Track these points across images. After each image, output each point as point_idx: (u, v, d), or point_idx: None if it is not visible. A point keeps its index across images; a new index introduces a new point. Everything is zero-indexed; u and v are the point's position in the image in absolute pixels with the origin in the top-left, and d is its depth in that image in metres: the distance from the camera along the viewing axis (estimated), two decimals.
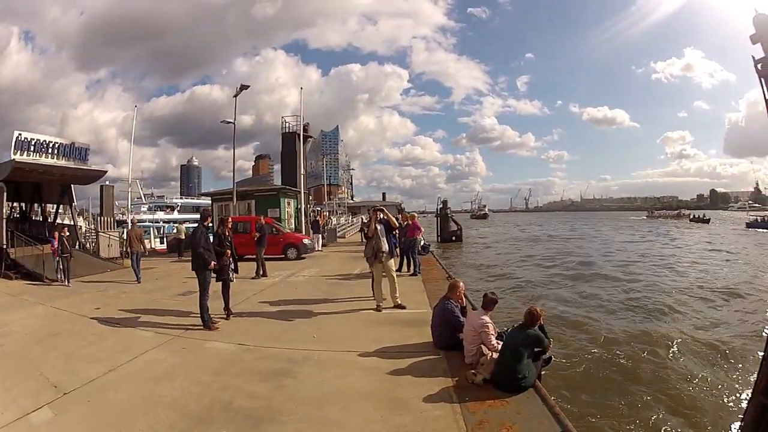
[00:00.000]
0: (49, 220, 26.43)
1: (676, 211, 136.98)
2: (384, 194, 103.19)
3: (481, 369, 6.25)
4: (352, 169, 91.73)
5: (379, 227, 10.85)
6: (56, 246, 16.32)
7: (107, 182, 32.45)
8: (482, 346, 6.66)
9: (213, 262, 9.71)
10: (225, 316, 10.35)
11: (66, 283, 15.83)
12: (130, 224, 25.52)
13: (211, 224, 10.52)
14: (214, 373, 7.05)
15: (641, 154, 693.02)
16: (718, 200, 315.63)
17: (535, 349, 6.22)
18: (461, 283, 8.23)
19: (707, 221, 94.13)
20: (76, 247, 22.44)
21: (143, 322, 10.48)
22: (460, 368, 6.69)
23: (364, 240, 12.93)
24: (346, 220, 60.90)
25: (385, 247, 10.81)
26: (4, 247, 18.77)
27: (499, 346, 6.48)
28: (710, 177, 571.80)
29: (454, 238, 52.86)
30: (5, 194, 19.64)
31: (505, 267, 33.07)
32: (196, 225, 10.77)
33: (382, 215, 11.22)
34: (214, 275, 10.03)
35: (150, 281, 16.88)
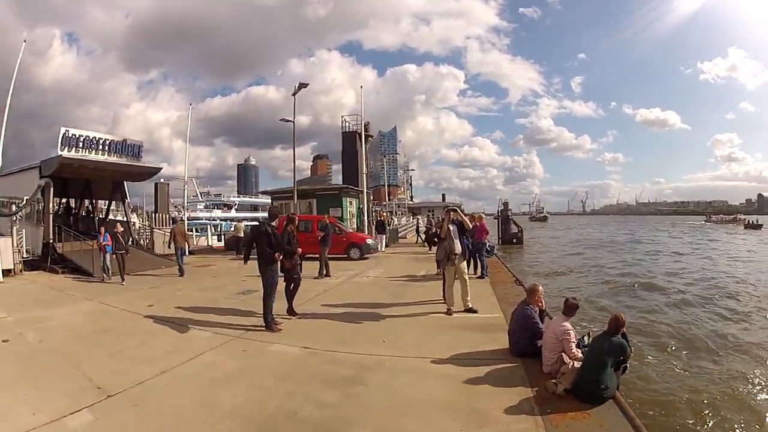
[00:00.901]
0: (100, 216, 26.85)
1: (732, 216, 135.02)
2: (443, 195, 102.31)
3: (562, 378, 5.96)
4: (412, 169, 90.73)
5: (452, 228, 10.39)
6: (102, 242, 15.77)
7: (161, 180, 32.02)
8: (563, 354, 6.40)
9: (286, 261, 9.59)
10: (288, 316, 9.83)
11: (121, 281, 15.14)
12: (173, 222, 26.25)
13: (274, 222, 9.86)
14: (278, 378, 6.52)
15: (692, 157, 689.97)
16: (764, 205, 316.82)
17: (618, 358, 5.96)
18: (540, 287, 7.89)
19: (759, 227, 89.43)
20: (130, 243, 22.33)
21: (200, 321, 9.83)
22: (539, 377, 6.35)
23: (420, 241, 12.13)
24: (406, 221, 60.27)
25: (458, 248, 10.32)
26: (51, 241, 18.95)
27: (580, 354, 6.27)
28: (757, 181, 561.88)
29: (515, 240, 51.08)
30: (52, 189, 19.70)
31: (573, 272, 30.34)
32: (257, 223, 10.07)
33: (455, 216, 10.75)
34: (282, 274, 9.67)
35: (207, 279, 16.39)
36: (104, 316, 10.59)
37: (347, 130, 40.22)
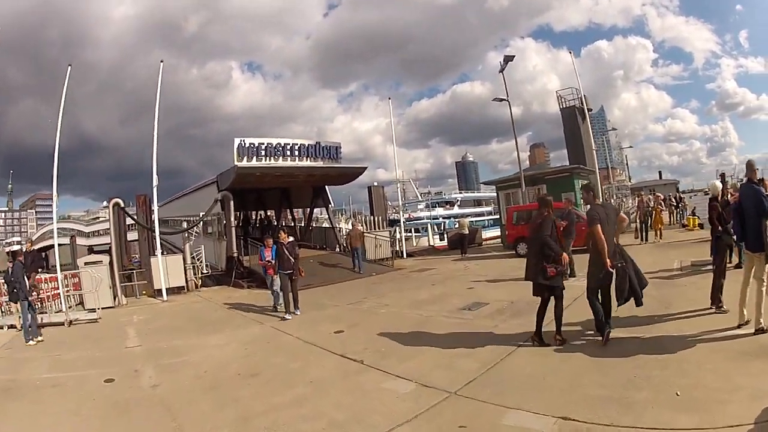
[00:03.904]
0: (301, 225, 26.97)
1: None
2: (660, 173, 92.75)
3: None
4: (629, 146, 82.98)
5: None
6: (265, 259, 11.57)
7: (375, 183, 31.52)
8: None
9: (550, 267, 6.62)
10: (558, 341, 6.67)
11: (287, 312, 10.62)
12: (350, 225, 25.78)
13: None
14: None
15: None
16: None
17: None
18: None
19: None
20: (337, 249, 21.70)
21: (401, 357, 6.80)
22: None
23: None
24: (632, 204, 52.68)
25: None
26: (236, 255, 18.30)
27: None
28: None
29: None
30: (232, 202, 19.26)
31: None
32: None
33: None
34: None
35: (424, 288, 13.27)
36: (266, 349, 8.15)
37: (565, 106, 37.55)
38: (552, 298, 6.69)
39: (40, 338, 9.77)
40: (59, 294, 12.50)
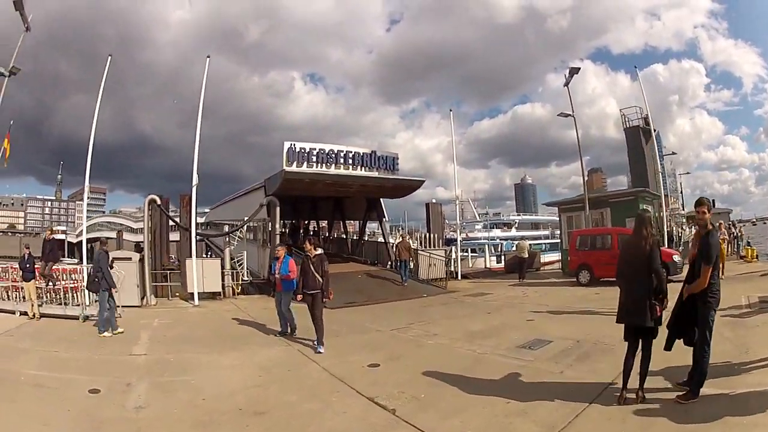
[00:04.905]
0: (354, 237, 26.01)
1: None
2: (713, 201, 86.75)
3: None
4: (687, 172, 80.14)
5: None
6: (277, 272, 9.84)
7: (433, 200, 30.80)
8: None
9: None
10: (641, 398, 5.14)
11: (315, 345, 8.52)
12: (399, 237, 25.24)
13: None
14: None
15: None
16: None
17: None
18: None
19: None
20: (388, 266, 20.34)
21: (451, 408, 5.39)
22: None
23: None
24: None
25: None
26: None
27: None
28: None
29: None
30: (278, 209, 18.05)
31: None
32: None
33: None
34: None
35: (478, 316, 11.81)
36: (283, 379, 6.81)
37: (628, 126, 36.93)
38: (640, 343, 5.24)
39: (120, 330, 9.56)
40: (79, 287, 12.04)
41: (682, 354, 5.25)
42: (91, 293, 10.61)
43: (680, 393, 5.08)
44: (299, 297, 8.65)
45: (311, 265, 8.59)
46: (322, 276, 8.53)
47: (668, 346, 5.19)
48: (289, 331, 9.46)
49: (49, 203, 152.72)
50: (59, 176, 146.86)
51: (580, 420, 4.72)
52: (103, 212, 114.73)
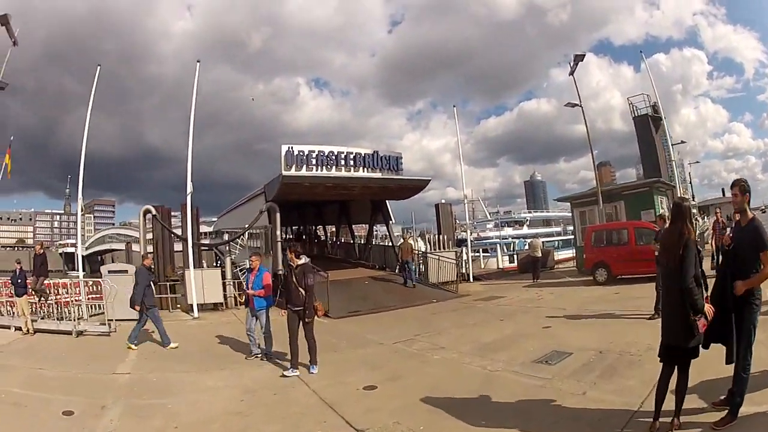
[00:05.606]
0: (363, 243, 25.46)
1: None
2: (723, 190, 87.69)
3: None
4: (696, 161, 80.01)
5: None
6: (249, 287, 8.91)
7: (443, 201, 30.85)
8: None
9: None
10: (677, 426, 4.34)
11: (288, 369, 7.71)
12: (401, 239, 23.97)
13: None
14: None
15: None
16: None
17: None
18: None
19: None
20: (397, 270, 19.80)
21: None
22: None
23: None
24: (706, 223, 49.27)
25: None
26: (280, 272, 16.52)
27: None
28: None
29: None
30: (278, 214, 17.93)
31: None
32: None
33: None
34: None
35: (491, 323, 11.17)
36: (267, 404, 6.26)
37: (636, 115, 35.82)
38: (678, 365, 4.37)
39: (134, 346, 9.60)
40: (79, 301, 12.20)
41: (717, 362, 4.43)
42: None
43: (716, 419, 4.31)
44: (283, 312, 7.66)
45: (294, 277, 7.49)
46: (306, 290, 7.38)
47: (705, 346, 4.31)
48: (260, 352, 8.55)
49: (58, 217, 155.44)
50: (67, 190, 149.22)
51: None
52: (113, 224, 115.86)
